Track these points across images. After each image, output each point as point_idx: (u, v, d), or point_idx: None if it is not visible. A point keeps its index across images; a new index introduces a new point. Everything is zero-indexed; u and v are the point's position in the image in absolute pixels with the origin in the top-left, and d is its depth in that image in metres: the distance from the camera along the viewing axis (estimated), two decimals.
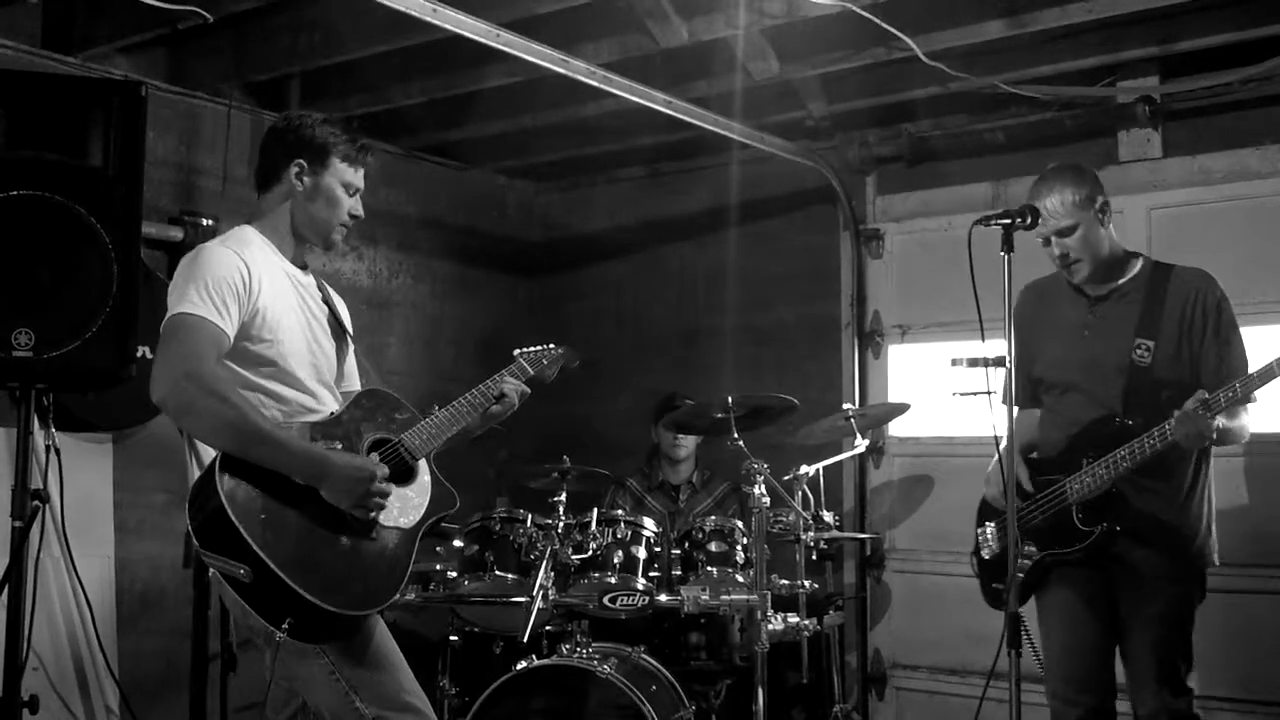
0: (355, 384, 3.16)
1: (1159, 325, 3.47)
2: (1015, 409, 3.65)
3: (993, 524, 3.75)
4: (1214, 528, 3.54)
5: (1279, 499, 4.71)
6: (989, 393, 3.31)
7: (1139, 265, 3.61)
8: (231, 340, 2.77)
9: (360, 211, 3.08)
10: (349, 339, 3.16)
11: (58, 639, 4.40)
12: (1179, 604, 3.47)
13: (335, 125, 3.04)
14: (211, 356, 2.72)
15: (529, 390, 3.22)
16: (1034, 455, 3.72)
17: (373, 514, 2.75)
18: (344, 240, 3.13)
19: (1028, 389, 3.74)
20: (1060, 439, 3.61)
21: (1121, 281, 3.58)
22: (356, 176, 3.05)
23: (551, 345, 3.41)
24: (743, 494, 4.22)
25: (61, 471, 4.01)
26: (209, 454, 2.72)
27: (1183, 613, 3.48)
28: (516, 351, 3.36)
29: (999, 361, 3.15)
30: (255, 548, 2.55)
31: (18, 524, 3.69)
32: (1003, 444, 3.61)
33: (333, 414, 2.91)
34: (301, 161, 2.98)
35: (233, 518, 2.56)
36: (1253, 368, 3.31)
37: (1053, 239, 3.53)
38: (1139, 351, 3.46)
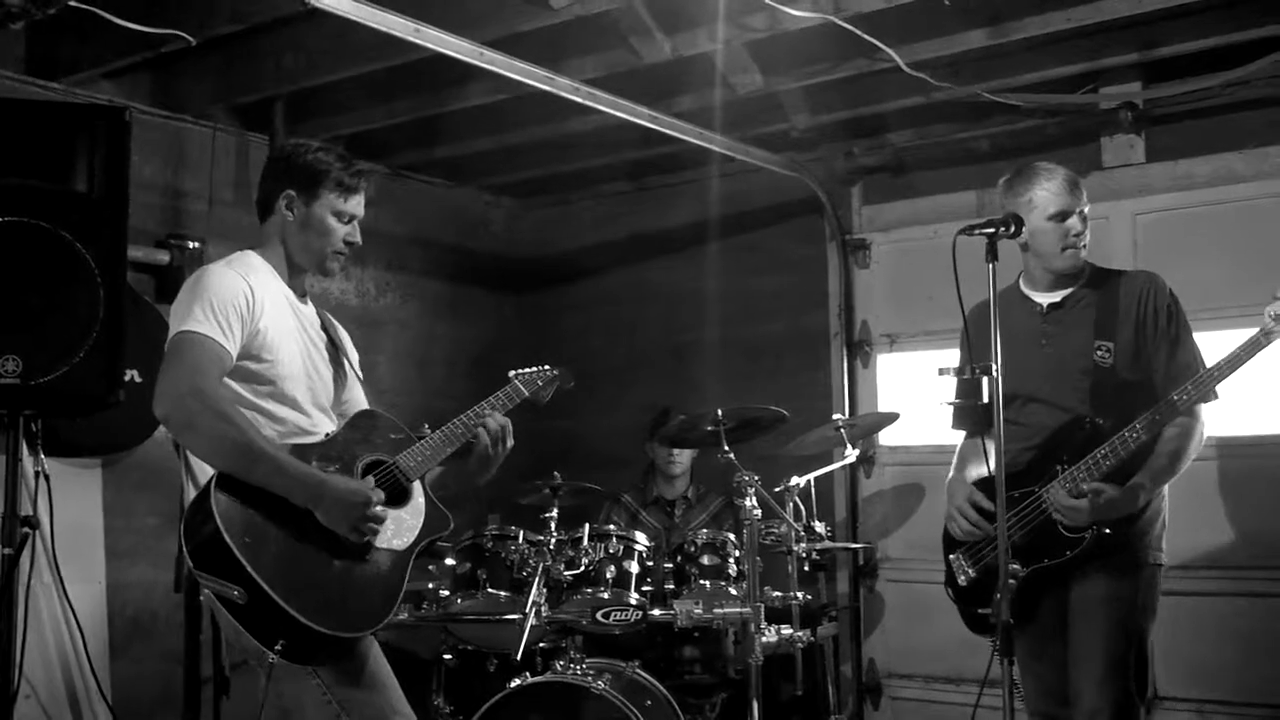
0: None
1: (1116, 327, 3.44)
2: (970, 435, 3.69)
3: (962, 549, 3.60)
4: (1166, 525, 3.48)
5: (1275, 502, 4.73)
6: (978, 401, 3.30)
7: (1088, 272, 3.58)
8: (234, 360, 2.78)
9: (357, 238, 3.05)
10: (350, 371, 3.14)
11: (49, 666, 4.38)
12: (1131, 605, 3.36)
13: (330, 153, 3.02)
14: (215, 375, 2.73)
15: (507, 423, 3.13)
16: (984, 477, 3.59)
17: (367, 538, 2.76)
18: (339, 267, 3.11)
19: (982, 409, 3.47)
20: (1025, 450, 3.50)
21: (1074, 289, 3.55)
22: (349, 204, 3.02)
23: (547, 366, 3.38)
24: (736, 507, 4.21)
25: (51, 497, 4.01)
26: (205, 474, 2.72)
27: (1134, 615, 3.36)
28: (512, 373, 3.33)
29: (984, 369, 3.13)
30: (250, 570, 2.55)
31: (8, 551, 3.70)
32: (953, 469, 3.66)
33: (328, 435, 2.91)
34: (290, 192, 2.98)
35: (228, 540, 2.56)
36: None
37: (1074, 216, 3.45)
38: (1100, 353, 3.43)
